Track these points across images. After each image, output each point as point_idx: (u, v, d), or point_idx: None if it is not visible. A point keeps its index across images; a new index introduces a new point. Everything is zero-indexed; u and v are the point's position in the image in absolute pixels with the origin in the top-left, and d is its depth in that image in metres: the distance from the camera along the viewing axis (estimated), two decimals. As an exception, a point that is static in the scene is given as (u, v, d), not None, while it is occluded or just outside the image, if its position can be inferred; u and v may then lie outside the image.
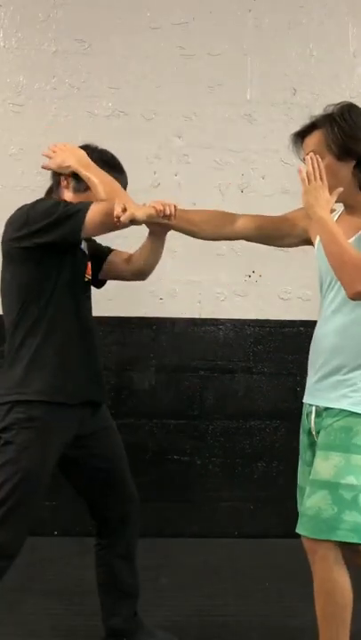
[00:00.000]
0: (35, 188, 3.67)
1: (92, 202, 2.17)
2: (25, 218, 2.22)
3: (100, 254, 2.49)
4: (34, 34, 3.73)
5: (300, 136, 2.22)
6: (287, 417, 3.77)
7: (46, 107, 3.73)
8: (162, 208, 2.26)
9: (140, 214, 2.22)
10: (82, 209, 2.16)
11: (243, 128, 3.75)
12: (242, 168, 3.78)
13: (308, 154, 2.15)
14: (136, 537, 2.48)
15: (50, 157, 2.31)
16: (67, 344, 2.26)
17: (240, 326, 3.79)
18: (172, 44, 3.74)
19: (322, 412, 2.17)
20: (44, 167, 2.34)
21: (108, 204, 2.14)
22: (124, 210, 2.17)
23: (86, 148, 2.35)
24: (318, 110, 3.80)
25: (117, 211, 2.15)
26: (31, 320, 2.24)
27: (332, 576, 2.07)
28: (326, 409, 2.15)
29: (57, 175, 2.35)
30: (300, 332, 3.70)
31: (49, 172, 3.72)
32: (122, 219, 2.16)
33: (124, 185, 2.38)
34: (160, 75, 3.75)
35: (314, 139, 2.17)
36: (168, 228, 2.37)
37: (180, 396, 3.77)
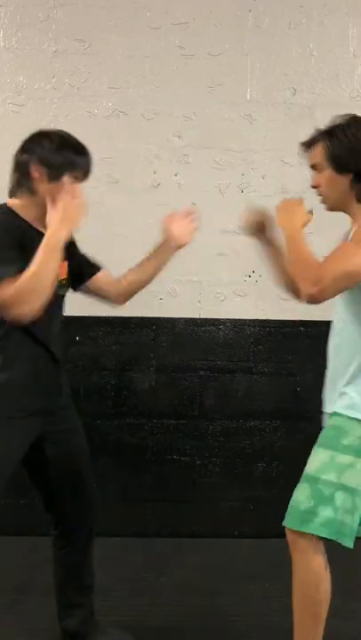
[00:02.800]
0: (35, 188, 3.70)
1: (8, 275, 2.04)
2: None
3: (86, 268, 2.45)
4: (34, 34, 3.73)
5: (308, 146, 2.29)
6: (287, 417, 3.78)
7: (46, 107, 3.73)
8: None
9: None
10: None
11: (243, 128, 3.75)
12: (242, 168, 3.78)
13: (311, 166, 2.25)
14: (94, 537, 2.48)
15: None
16: (33, 350, 2.25)
17: (240, 326, 3.79)
18: (172, 44, 3.74)
19: (328, 415, 2.27)
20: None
21: (5, 301, 2.03)
22: None
23: (45, 134, 2.30)
24: (319, 110, 3.82)
25: None
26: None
27: (309, 568, 2.12)
28: (328, 413, 2.25)
29: (23, 166, 2.27)
30: (300, 332, 3.70)
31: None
32: None
33: (88, 166, 2.30)
34: (160, 75, 3.75)
35: (316, 151, 2.23)
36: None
37: (180, 395, 3.77)
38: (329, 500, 2.09)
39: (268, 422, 3.78)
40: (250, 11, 3.77)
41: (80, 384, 3.71)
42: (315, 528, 2.09)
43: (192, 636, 2.68)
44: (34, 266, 2.06)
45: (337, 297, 2.15)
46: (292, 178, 3.67)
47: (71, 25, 3.73)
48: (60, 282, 2.35)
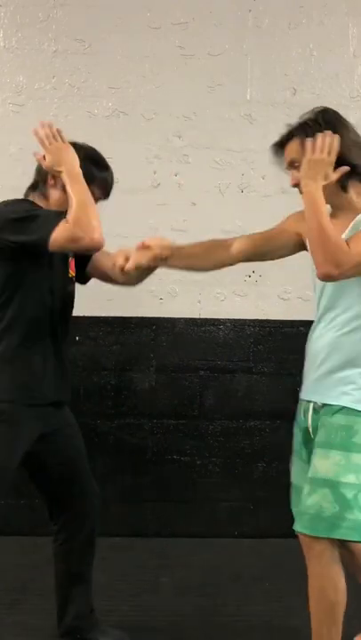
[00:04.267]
0: (35, 188, 3.69)
1: (63, 216, 2.15)
2: None
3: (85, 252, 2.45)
4: (34, 34, 3.74)
5: (281, 146, 2.22)
6: (287, 417, 3.74)
7: (46, 107, 3.73)
8: (159, 252, 2.28)
9: (144, 261, 2.24)
10: (51, 222, 2.13)
11: (243, 128, 3.75)
12: (242, 168, 3.78)
13: (288, 164, 2.18)
14: (95, 533, 2.48)
15: (44, 145, 2.25)
16: (39, 346, 2.27)
17: (240, 326, 3.79)
18: (172, 44, 3.75)
19: (320, 408, 2.18)
20: (37, 158, 2.28)
21: (72, 231, 2.11)
22: (127, 259, 2.17)
23: (72, 145, 2.30)
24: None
25: (120, 262, 2.17)
26: (7, 319, 2.24)
27: (326, 572, 2.09)
28: (324, 405, 2.16)
29: (43, 170, 2.30)
30: (300, 332, 3.69)
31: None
32: (126, 268, 2.17)
33: (111, 181, 2.37)
34: (160, 75, 3.75)
35: (293, 147, 2.17)
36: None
37: (180, 395, 3.77)
38: (354, 503, 2.05)
39: (268, 422, 3.77)
40: (250, 11, 3.77)
41: (80, 384, 3.71)
42: (344, 533, 2.05)
43: (192, 636, 2.67)
44: (73, 198, 2.15)
45: (343, 291, 2.12)
46: (292, 178, 3.67)
47: (71, 25, 3.73)
48: (71, 278, 2.39)
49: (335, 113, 2.18)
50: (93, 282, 3.49)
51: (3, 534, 3.55)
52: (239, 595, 3.03)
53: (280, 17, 3.77)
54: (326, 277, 2.05)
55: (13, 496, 3.56)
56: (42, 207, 2.29)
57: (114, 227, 3.61)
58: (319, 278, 2.07)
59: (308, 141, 2.07)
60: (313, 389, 2.22)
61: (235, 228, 3.53)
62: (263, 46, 3.77)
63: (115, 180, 3.72)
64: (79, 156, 2.26)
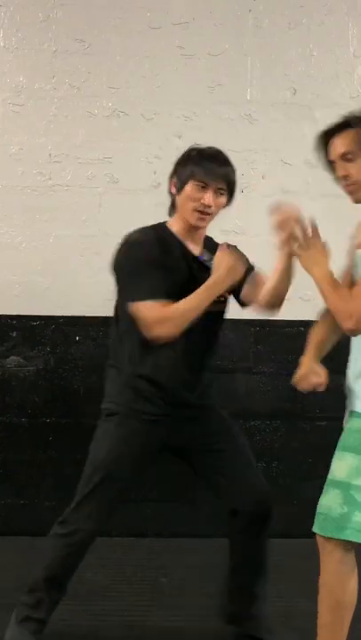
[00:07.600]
0: (35, 188, 3.69)
1: (156, 302, 2.24)
2: None
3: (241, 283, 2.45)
4: (34, 34, 3.74)
5: (329, 135, 2.17)
6: (287, 417, 3.77)
7: (46, 107, 3.73)
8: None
9: (322, 377, 2.29)
10: (144, 298, 2.25)
11: (243, 128, 3.75)
12: (242, 168, 3.76)
13: (340, 155, 2.13)
14: (267, 527, 2.47)
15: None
16: (161, 364, 2.40)
17: (240, 326, 3.78)
18: (172, 44, 3.75)
19: (349, 413, 2.21)
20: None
21: (155, 328, 2.25)
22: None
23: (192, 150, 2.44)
24: (319, 110, 3.80)
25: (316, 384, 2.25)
26: (134, 335, 2.34)
27: (335, 571, 2.09)
28: (351, 412, 2.19)
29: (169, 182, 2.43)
30: (300, 332, 3.68)
31: (49, 172, 3.73)
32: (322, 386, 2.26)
33: (209, 172, 2.41)
34: (160, 75, 3.75)
35: (347, 138, 2.12)
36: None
37: (180, 395, 3.77)
38: None
39: (268, 422, 3.77)
40: (250, 11, 3.77)
41: (80, 384, 3.71)
42: (350, 534, 2.06)
43: (192, 636, 2.67)
44: (190, 302, 2.25)
45: None
46: (292, 178, 3.68)
47: (71, 25, 3.73)
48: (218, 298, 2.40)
49: None
50: (93, 281, 3.51)
51: (3, 534, 3.55)
52: (239, 595, 3.03)
53: (280, 17, 3.77)
54: (348, 332, 2.09)
55: (13, 496, 3.56)
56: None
57: (114, 227, 3.62)
58: (348, 334, 2.11)
59: (296, 248, 2.17)
60: (347, 396, 2.24)
61: (235, 228, 3.55)
62: (263, 46, 3.77)
63: (115, 180, 3.73)
64: (183, 159, 2.45)
